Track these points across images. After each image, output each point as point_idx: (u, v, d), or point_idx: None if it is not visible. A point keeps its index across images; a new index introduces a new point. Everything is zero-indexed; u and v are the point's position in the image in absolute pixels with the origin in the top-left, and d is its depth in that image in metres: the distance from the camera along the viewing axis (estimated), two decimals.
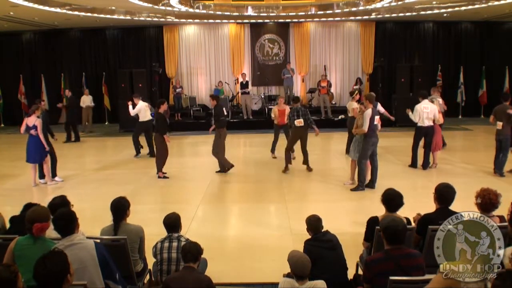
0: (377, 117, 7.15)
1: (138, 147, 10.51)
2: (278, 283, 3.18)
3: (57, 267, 2.34)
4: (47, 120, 8.33)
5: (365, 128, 6.98)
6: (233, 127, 14.36)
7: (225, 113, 8.68)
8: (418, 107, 8.36)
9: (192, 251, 3.13)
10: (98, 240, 3.34)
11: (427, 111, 8.29)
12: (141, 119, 10.18)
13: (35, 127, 7.54)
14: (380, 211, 3.91)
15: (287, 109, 9.42)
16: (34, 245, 2.97)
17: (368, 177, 7.43)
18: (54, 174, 8.20)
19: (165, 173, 8.43)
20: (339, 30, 16.74)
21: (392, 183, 7.44)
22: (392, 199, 3.68)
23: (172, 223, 3.78)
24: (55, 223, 3.07)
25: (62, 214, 3.10)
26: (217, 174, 8.73)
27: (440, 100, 10.11)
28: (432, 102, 8.62)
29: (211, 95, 8.67)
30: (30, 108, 7.99)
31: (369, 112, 6.99)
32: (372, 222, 3.74)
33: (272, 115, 9.88)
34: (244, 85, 14.57)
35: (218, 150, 8.46)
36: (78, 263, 2.89)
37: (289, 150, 8.77)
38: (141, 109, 10.12)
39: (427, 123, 8.32)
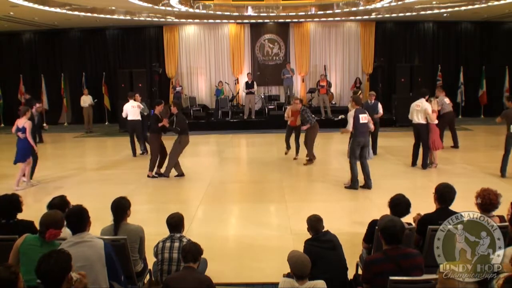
0: (363, 116, 7.18)
1: (133, 147, 10.60)
2: (278, 283, 3.18)
3: (59, 265, 2.37)
4: (39, 123, 8.32)
5: (349, 127, 7.15)
6: (233, 127, 14.41)
7: (186, 122, 8.53)
8: (412, 104, 8.56)
9: (192, 251, 3.13)
10: None
11: (418, 109, 8.43)
12: (128, 118, 10.44)
13: (24, 129, 7.52)
14: (380, 210, 3.91)
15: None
16: (41, 247, 2.97)
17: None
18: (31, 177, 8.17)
19: (157, 175, 8.38)
20: (339, 30, 16.75)
21: (392, 182, 7.54)
22: (398, 205, 3.66)
23: (175, 223, 3.78)
24: (67, 219, 3.09)
25: (75, 211, 3.11)
26: (216, 174, 8.74)
27: (447, 100, 10.15)
28: (430, 101, 8.67)
29: (174, 102, 8.72)
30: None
31: (351, 113, 7.18)
32: (373, 225, 3.73)
33: (286, 116, 9.76)
34: (249, 85, 14.56)
35: (172, 155, 8.29)
36: (85, 260, 2.92)
37: (312, 147, 9.20)
38: (126, 110, 10.45)
39: (416, 120, 8.47)
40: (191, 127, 14.23)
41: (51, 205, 3.67)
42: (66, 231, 3.27)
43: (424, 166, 8.60)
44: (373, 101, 9.66)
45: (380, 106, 9.63)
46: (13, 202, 3.63)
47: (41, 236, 3.02)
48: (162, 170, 8.42)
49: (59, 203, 3.69)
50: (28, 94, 14.14)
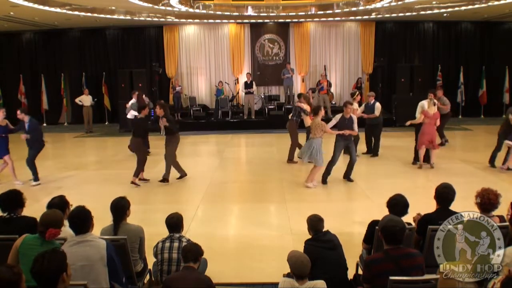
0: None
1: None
2: (278, 283, 3.18)
3: (53, 265, 2.37)
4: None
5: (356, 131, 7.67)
6: (233, 127, 14.41)
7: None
8: None
9: (193, 251, 3.13)
10: None
11: None
12: None
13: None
14: (379, 210, 3.91)
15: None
16: (41, 246, 2.97)
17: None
18: None
19: (145, 179, 8.07)
20: (339, 30, 16.75)
21: (392, 182, 7.56)
22: (395, 205, 3.66)
23: (174, 223, 3.78)
24: (70, 220, 3.10)
25: (79, 213, 3.13)
26: (216, 174, 8.75)
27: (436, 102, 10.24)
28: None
29: (159, 103, 8.08)
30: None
31: (355, 119, 7.66)
32: (373, 225, 3.73)
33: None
34: (248, 85, 14.57)
35: (168, 156, 7.94)
36: (86, 260, 2.93)
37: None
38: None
39: None
40: (191, 127, 14.43)
41: (50, 205, 3.68)
42: (66, 231, 3.28)
43: (414, 161, 8.99)
44: (372, 102, 9.72)
45: (376, 106, 9.63)
46: (15, 198, 3.69)
47: (41, 236, 3.03)
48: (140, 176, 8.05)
49: (58, 203, 3.69)
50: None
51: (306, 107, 9.09)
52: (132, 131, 8.12)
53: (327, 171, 7.73)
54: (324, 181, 7.75)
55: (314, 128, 7.30)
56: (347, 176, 7.86)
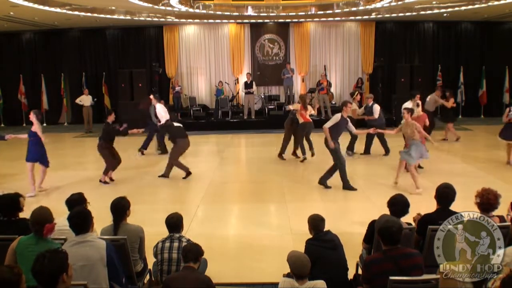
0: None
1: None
2: (278, 283, 3.18)
3: (54, 265, 2.37)
4: None
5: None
6: (233, 127, 14.41)
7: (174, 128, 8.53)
8: None
9: (193, 251, 3.14)
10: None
11: None
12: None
13: None
14: (379, 210, 3.91)
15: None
16: (36, 245, 2.98)
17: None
18: None
19: (111, 179, 8.26)
20: (339, 30, 16.74)
21: (392, 182, 7.53)
22: (394, 204, 3.68)
23: (174, 223, 3.78)
24: (70, 220, 3.12)
25: (78, 213, 3.15)
26: (216, 174, 8.74)
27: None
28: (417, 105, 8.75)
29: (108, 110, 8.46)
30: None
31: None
32: (373, 225, 3.73)
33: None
34: (248, 85, 14.56)
35: (171, 157, 8.41)
36: (86, 260, 2.94)
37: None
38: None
39: None
40: (191, 127, 14.38)
41: (69, 201, 3.81)
42: (66, 230, 3.29)
43: None
44: (370, 104, 9.76)
45: (374, 109, 9.62)
46: (14, 201, 3.69)
47: (38, 234, 3.03)
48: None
49: (78, 199, 3.84)
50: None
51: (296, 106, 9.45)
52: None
53: (344, 176, 7.43)
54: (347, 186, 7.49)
55: (411, 129, 7.20)
56: (323, 181, 7.48)
